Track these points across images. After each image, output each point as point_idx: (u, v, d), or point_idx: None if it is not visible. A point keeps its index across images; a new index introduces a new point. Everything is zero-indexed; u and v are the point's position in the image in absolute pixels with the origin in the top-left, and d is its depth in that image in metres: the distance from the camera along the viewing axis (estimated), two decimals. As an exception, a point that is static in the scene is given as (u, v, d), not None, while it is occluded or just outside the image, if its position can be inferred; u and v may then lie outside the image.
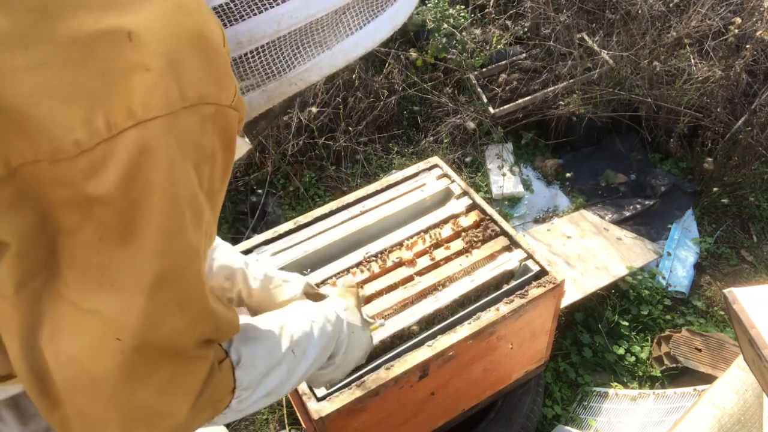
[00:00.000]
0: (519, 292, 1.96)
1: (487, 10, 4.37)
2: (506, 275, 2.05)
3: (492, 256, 2.08)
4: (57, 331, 0.71)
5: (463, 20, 4.16)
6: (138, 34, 0.68)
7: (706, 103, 3.69)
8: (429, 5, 4.10)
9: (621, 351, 2.93)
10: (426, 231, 2.16)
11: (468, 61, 3.99)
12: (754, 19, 3.61)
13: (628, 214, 3.61)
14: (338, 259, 2.08)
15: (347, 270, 2.04)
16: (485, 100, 3.91)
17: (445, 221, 2.20)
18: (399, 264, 2.06)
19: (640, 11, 3.80)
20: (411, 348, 1.83)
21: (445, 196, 2.32)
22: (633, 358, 2.92)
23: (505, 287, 2.00)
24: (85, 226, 0.68)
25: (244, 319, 1.00)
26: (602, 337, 2.96)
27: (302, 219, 2.23)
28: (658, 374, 2.84)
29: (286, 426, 2.61)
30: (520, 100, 3.86)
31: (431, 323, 1.92)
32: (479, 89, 3.96)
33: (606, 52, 3.85)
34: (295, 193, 3.70)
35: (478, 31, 4.25)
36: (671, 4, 3.92)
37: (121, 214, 0.68)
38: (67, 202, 0.67)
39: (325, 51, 0.99)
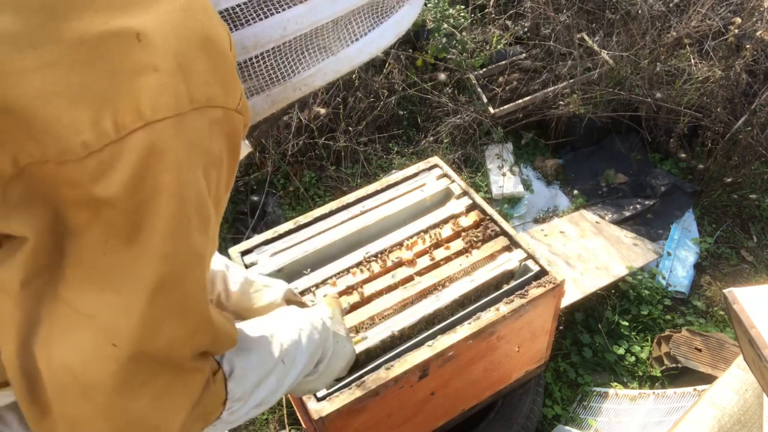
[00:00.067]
0: (519, 292, 1.96)
1: (487, 10, 4.37)
2: (506, 275, 2.05)
3: (492, 256, 2.08)
4: (51, 335, 0.70)
5: (463, 20, 4.16)
6: (146, 35, 0.67)
7: (706, 103, 3.69)
8: (429, 5, 4.10)
9: (621, 351, 2.93)
10: (426, 231, 2.16)
11: (468, 61, 3.99)
12: (754, 19, 3.61)
13: (628, 214, 3.61)
14: (338, 259, 2.08)
15: (347, 270, 2.04)
16: (485, 100, 3.91)
17: (445, 221, 2.20)
18: (399, 264, 2.06)
19: (640, 11, 3.80)
20: (411, 348, 1.83)
21: (445, 196, 2.32)
22: (633, 358, 2.92)
23: (505, 287, 2.00)
24: (93, 226, 0.68)
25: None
26: (602, 337, 2.96)
27: (302, 219, 2.23)
28: (658, 374, 2.84)
29: (286, 426, 2.61)
30: (520, 100, 3.86)
31: (431, 323, 1.92)
32: (479, 89, 3.96)
33: (606, 52, 3.85)
34: (295, 193, 3.70)
35: (477, 31, 4.25)
36: (671, 4, 3.92)
37: (128, 215, 0.67)
38: (76, 202, 0.67)
39: (329, 56, 0.99)
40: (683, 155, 3.75)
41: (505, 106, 3.84)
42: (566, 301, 2.73)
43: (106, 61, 0.65)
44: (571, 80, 3.83)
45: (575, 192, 3.77)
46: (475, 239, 2.12)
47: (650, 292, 3.13)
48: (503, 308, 1.92)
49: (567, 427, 2.60)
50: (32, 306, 0.69)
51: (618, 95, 3.76)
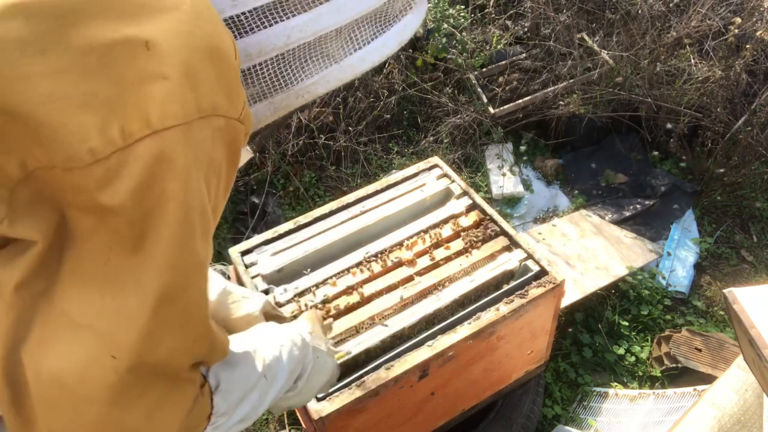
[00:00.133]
0: (519, 292, 1.96)
1: (487, 10, 4.37)
2: (506, 275, 2.05)
3: (492, 256, 2.08)
4: (44, 345, 0.68)
5: (463, 20, 4.16)
6: (155, 43, 0.68)
7: (706, 103, 3.69)
8: (429, 5, 4.10)
9: (621, 351, 2.93)
10: (426, 231, 2.16)
11: (468, 61, 3.99)
12: (754, 19, 3.61)
13: (628, 214, 3.61)
14: (338, 259, 2.08)
15: (347, 270, 2.04)
16: (485, 100, 3.91)
17: (445, 221, 2.20)
18: (399, 264, 2.06)
19: (640, 11, 3.80)
20: (411, 348, 1.83)
21: (445, 196, 2.32)
22: (633, 358, 2.92)
23: (505, 287, 2.00)
24: (98, 232, 0.67)
25: None
26: (602, 337, 2.96)
27: (302, 219, 2.23)
28: (658, 374, 2.84)
29: (286, 426, 2.61)
30: (520, 100, 3.86)
31: (431, 323, 1.92)
32: (479, 89, 3.96)
33: (606, 52, 3.85)
34: (295, 193, 3.70)
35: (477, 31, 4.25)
36: (671, 4, 3.92)
37: (133, 223, 0.67)
38: (82, 207, 0.67)
39: (332, 64, 0.99)
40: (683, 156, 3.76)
41: (505, 106, 3.84)
42: (566, 301, 2.73)
43: (114, 68, 0.66)
44: (571, 80, 3.83)
45: (575, 192, 3.78)
46: (475, 239, 2.12)
47: (650, 292, 3.13)
48: (503, 308, 1.92)
49: (567, 427, 2.60)
50: (25, 310, 0.68)
51: (618, 95, 3.76)
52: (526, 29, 4.28)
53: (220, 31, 0.77)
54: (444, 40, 3.95)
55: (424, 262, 2.07)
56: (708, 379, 2.59)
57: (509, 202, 3.70)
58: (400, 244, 2.12)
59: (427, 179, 2.37)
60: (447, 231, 2.16)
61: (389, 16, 1.02)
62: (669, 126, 3.72)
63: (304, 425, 2.10)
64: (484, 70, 4.09)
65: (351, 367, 1.80)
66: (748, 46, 3.49)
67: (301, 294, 1.96)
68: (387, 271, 2.05)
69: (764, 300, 1.75)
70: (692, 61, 3.70)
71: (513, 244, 2.10)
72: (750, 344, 1.71)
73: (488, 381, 2.18)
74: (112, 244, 0.68)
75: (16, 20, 0.63)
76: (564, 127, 3.92)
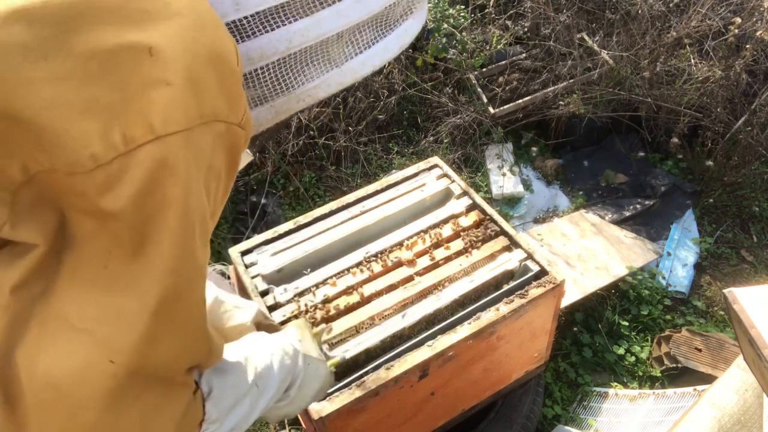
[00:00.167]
0: (519, 292, 1.96)
1: (487, 10, 4.37)
2: (506, 275, 2.05)
3: (492, 256, 2.08)
4: (40, 347, 0.67)
5: (463, 20, 4.16)
6: (158, 49, 0.68)
7: (706, 103, 3.69)
8: (429, 5, 4.10)
9: (621, 351, 2.93)
10: (426, 231, 2.16)
11: (468, 61, 3.99)
12: (754, 19, 3.61)
13: (628, 214, 3.61)
14: (338, 259, 2.08)
15: (347, 270, 2.04)
16: (485, 100, 3.91)
17: (445, 221, 2.20)
18: (399, 264, 2.06)
19: (640, 11, 3.80)
20: (411, 348, 1.83)
21: (445, 196, 2.32)
22: (633, 358, 2.92)
23: (505, 287, 2.00)
24: (98, 236, 0.67)
25: None
26: (602, 337, 2.96)
27: (302, 219, 2.23)
28: (658, 374, 2.84)
29: (286, 426, 2.61)
30: (520, 100, 3.86)
31: (431, 323, 1.92)
32: (479, 89, 3.96)
33: (606, 52, 3.85)
34: (295, 193, 3.70)
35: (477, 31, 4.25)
36: (671, 4, 3.92)
37: (134, 228, 0.67)
38: (83, 210, 0.67)
39: (333, 68, 1.00)
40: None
41: (505, 106, 3.84)
42: (566, 301, 2.73)
43: (117, 74, 0.66)
44: (571, 80, 3.83)
45: (575, 192, 3.78)
46: (475, 239, 2.12)
47: (650, 292, 3.13)
48: (503, 308, 1.92)
49: (567, 427, 2.60)
50: (21, 312, 0.67)
51: (618, 95, 3.77)
52: (526, 29, 4.28)
53: (223, 36, 0.77)
54: (444, 40, 3.95)
55: (424, 262, 2.07)
56: (708, 379, 2.59)
57: (509, 202, 3.70)
58: (400, 244, 2.12)
59: (427, 179, 2.37)
60: (447, 231, 2.16)
61: (390, 20, 1.03)
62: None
63: (304, 425, 2.10)
64: (484, 70, 4.09)
65: (351, 367, 1.80)
66: (748, 46, 3.49)
67: (301, 294, 1.96)
68: (387, 271, 2.05)
69: (764, 300, 1.75)
70: (692, 61, 3.70)
71: (513, 244, 2.10)
72: (750, 344, 1.71)
73: (488, 381, 2.18)
74: (112, 248, 0.68)
75: (19, 25, 0.63)
76: (564, 127, 3.92)
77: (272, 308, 1.92)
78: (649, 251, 3.24)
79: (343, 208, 2.26)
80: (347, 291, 1.98)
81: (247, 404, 0.99)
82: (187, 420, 0.83)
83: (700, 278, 3.35)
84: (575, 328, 3.00)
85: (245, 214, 3.52)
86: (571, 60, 3.88)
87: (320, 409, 1.68)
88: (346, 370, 1.78)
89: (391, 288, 1.99)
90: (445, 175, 2.37)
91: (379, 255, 2.09)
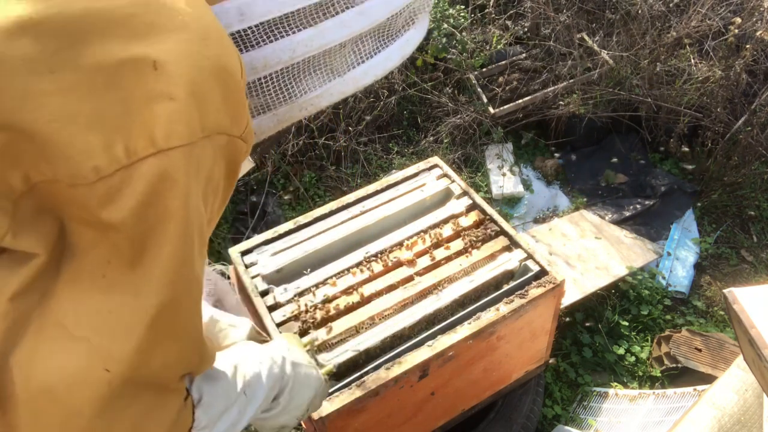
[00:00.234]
0: (519, 292, 1.96)
1: (487, 10, 4.37)
2: (506, 275, 2.05)
3: (492, 256, 2.08)
4: (35, 354, 0.68)
5: (463, 20, 4.16)
6: (163, 63, 0.68)
7: (706, 103, 3.69)
8: (429, 5, 4.10)
9: (621, 351, 2.93)
10: (426, 231, 2.16)
11: (468, 61, 3.99)
12: (754, 19, 3.61)
13: (628, 214, 3.61)
14: (338, 259, 2.08)
15: (347, 270, 2.04)
16: (485, 100, 3.91)
17: (445, 221, 2.20)
18: (399, 264, 2.06)
19: (640, 11, 3.80)
20: (411, 348, 1.83)
21: (445, 196, 2.32)
22: (633, 358, 2.92)
23: (505, 287, 2.00)
24: (98, 246, 0.68)
25: None
26: (602, 337, 2.96)
27: (302, 219, 2.23)
28: (658, 374, 2.84)
29: (286, 426, 2.61)
30: (520, 100, 3.86)
31: (431, 323, 1.92)
32: (479, 89, 3.96)
33: (606, 52, 3.85)
34: (295, 193, 3.70)
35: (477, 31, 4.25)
36: (671, 4, 3.92)
37: (133, 240, 0.68)
38: (83, 221, 0.67)
39: (336, 78, 1.01)
40: (685, 149, 3.75)
41: (505, 106, 3.84)
42: (566, 301, 2.73)
43: (121, 88, 0.66)
44: (571, 80, 3.83)
45: (575, 192, 3.78)
46: (475, 239, 2.12)
47: (650, 292, 3.13)
48: (503, 308, 1.92)
49: (567, 427, 2.60)
50: (18, 319, 0.68)
51: (618, 95, 3.77)
52: (526, 29, 4.28)
53: (228, 49, 0.77)
54: (444, 40, 3.95)
55: (424, 262, 2.07)
56: (708, 379, 2.59)
57: (509, 202, 3.70)
58: (400, 244, 2.12)
59: (427, 179, 2.37)
60: (447, 231, 2.16)
61: (392, 31, 1.04)
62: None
63: (304, 425, 2.10)
64: (484, 70, 4.09)
65: (351, 367, 1.80)
66: (748, 46, 3.50)
67: (301, 294, 1.96)
68: (387, 271, 2.05)
69: (764, 300, 1.75)
70: (692, 61, 3.70)
71: (513, 244, 2.10)
72: (750, 344, 1.71)
73: (488, 381, 2.18)
74: (112, 258, 0.68)
75: (25, 38, 0.63)
76: (564, 127, 3.92)
77: (272, 308, 1.92)
78: (649, 251, 3.24)
79: (343, 208, 2.26)
80: (347, 291, 1.98)
81: (235, 412, 0.99)
82: (177, 426, 0.84)
83: (700, 278, 3.35)
84: (574, 328, 3.00)
85: (245, 214, 3.52)
86: (571, 60, 3.88)
87: (320, 409, 1.68)
88: (346, 370, 1.78)
89: (391, 288, 1.99)
90: (445, 175, 2.37)
91: (379, 255, 2.09)
